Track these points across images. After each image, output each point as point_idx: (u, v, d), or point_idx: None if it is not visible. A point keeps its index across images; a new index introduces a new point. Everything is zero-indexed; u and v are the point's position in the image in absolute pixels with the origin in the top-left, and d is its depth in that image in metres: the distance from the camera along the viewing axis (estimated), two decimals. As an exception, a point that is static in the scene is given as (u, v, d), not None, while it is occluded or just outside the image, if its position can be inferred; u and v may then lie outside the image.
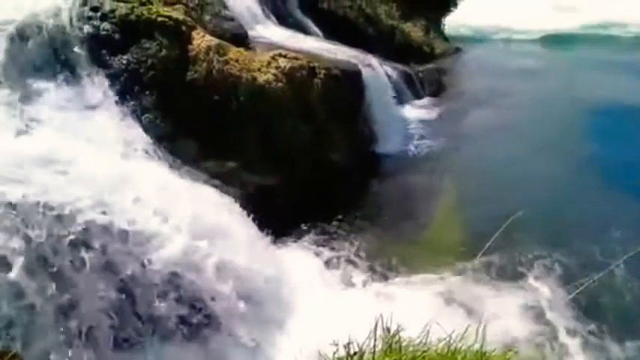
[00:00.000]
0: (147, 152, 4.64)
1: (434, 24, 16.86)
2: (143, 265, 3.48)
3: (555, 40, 17.08)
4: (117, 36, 5.17)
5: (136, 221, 3.48)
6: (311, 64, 6.84)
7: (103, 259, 3.34)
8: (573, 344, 4.13)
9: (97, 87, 4.75)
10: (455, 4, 17.68)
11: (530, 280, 4.57)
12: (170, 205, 3.79)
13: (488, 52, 17.09)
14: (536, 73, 13.10)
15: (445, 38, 16.90)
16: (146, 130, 4.97)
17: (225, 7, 7.11)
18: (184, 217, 3.75)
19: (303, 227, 5.71)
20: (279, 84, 6.23)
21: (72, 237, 3.23)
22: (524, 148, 7.81)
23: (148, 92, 5.20)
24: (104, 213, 3.36)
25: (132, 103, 5.05)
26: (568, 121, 8.96)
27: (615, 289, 4.39)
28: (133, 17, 5.38)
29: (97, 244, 3.30)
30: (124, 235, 3.38)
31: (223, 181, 5.34)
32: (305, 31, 9.99)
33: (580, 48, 16.21)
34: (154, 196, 3.76)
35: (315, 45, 8.59)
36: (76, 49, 4.80)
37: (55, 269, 3.16)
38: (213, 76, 5.71)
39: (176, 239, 3.64)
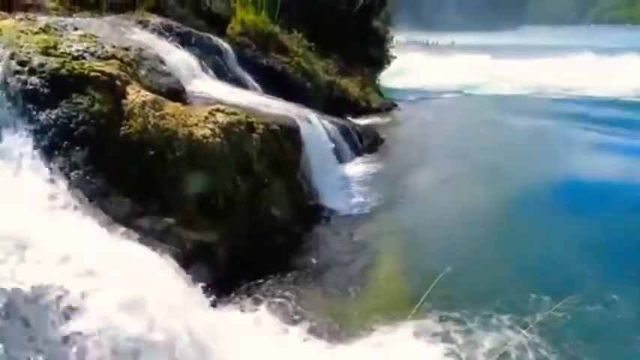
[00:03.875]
0: (74, 211, 4.41)
1: (369, 80, 17.70)
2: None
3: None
4: (46, 90, 5.00)
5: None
6: (249, 119, 6.88)
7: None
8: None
9: (21, 143, 4.53)
10: (388, 62, 18.81)
11: (462, 338, 4.63)
12: (96, 267, 3.58)
13: (421, 107, 18.09)
14: (465, 124, 14.13)
15: (380, 93, 17.71)
16: (75, 188, 4.75)
17: (162, 62, 7.11)
18: (110, 279, 3.54)
19: (243, 284, 5.56)
20: (217, 139, 6.20)
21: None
22: (462, 201, 8.11)
23: (78, 148, 5.01)
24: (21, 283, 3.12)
25: (60, 159, 4.84)
26: (501, 171, 9.57)
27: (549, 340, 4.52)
28: (64, 71, 5.25)
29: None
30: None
31: (158, 238, 5.15)
32: (244, 85, 10.14)
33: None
34: (78, 257, 3.55)
35: (254, 99, 8.71)
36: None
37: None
38: (149, 131, 5.60)
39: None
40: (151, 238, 4.99)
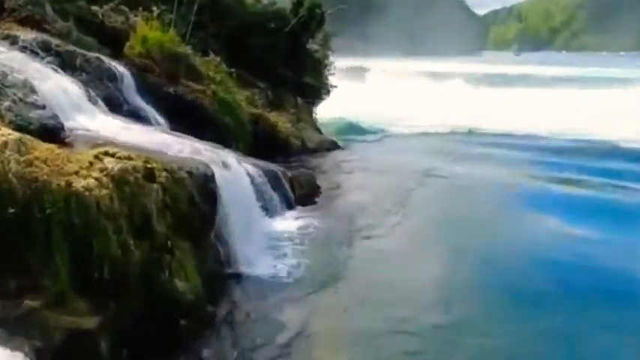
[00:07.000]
0: None
1: (305, 113, 17.93)
2: None
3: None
4: None
5: None
6: (148, 165, 6.68)
7: None
8: None
9: None
10: (327, 93, 19.15)
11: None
12: None
13: (364, 144, 18.58)
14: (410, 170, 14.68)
15: (318, 130, 17.94)
16: None
17: (34, 90, 6.84)
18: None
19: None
20: (104, 191, 5.93)
21: None
22: (403, 267, 8.40)
23: None
24: None
25: None
26: (444, 220, 10.50)
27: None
28: None
29: None
30: None
31: (15, 328, 4.77)
32: (144, 120, 9.98)
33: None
34: None
35: (157, 139, 8.56)
36: None
37: None
38: (10, 181, 5.28)
39: None
40: (4, 327, 4.61)
